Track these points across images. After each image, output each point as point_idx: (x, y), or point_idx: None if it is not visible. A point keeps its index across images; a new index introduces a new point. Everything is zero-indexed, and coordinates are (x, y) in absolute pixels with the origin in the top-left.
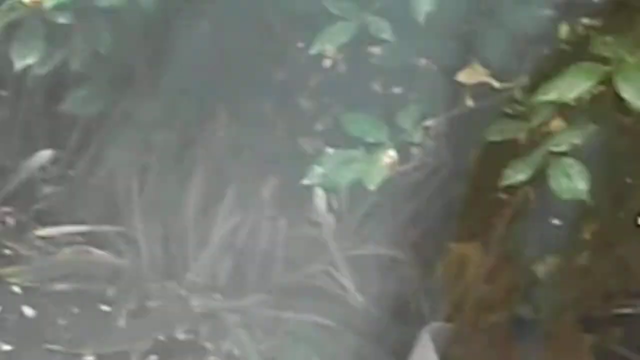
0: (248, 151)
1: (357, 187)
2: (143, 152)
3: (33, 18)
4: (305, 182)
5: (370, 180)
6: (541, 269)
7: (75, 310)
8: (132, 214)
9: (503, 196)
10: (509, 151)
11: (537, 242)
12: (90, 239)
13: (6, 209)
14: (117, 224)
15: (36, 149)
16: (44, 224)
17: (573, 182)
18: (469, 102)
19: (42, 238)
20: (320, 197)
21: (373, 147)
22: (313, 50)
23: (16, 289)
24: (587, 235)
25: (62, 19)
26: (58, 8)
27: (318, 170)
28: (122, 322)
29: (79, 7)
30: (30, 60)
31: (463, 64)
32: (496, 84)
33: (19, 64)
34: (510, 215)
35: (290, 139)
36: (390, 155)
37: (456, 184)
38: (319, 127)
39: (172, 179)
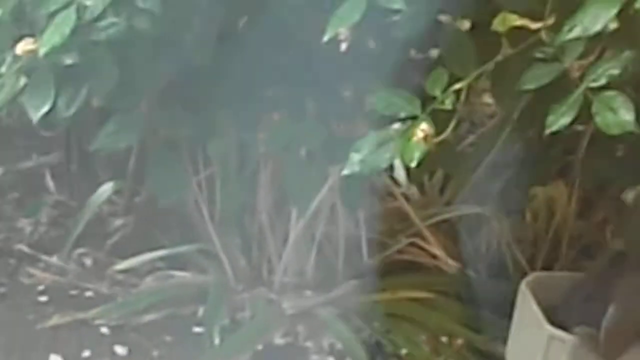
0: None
1: None
2: (200, 165)
3: (38, 67)
4: (345, 172)
5: (409, 158)
6: (630, 197)
7: (168, 338)
8: (206, 229)
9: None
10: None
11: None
12: (171, 263)
13: (81, 250)
14: (194, 242)
15: (97, 184)
16: (122, 257)
17: (619, 115)
18: (507, 50)
19: (122, 272)
20: (399, 168)
21: (407, 123)
22: (326, 36)
23: (104, 329)
24: None
25: (68, 60)
26: (58, 52)
27: (355, 157)
28: (217, 340)
29: (78, 46)
30: (45, 109)
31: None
32: (533, 25)
33: (34, 115)
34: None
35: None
36: (423, 128)
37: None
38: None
39: (234, 186)
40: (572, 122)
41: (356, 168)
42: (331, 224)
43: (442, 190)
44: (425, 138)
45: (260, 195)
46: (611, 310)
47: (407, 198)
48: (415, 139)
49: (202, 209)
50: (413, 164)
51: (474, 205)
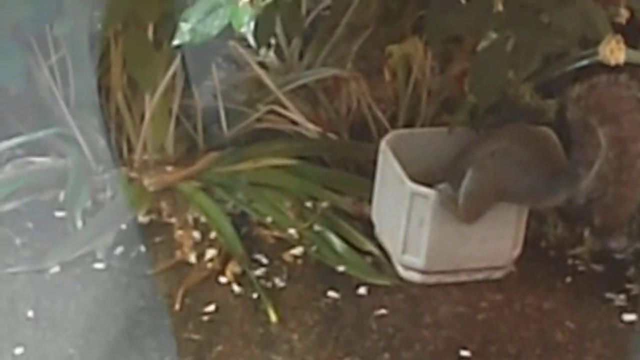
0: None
1: None
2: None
3: None
4: (175, 42)
5: (239, 23)
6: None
7: (30, 225)
8: (62, 112)
9: None
10: None
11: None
12: (29, 149)
13: None
14: (52, 126)
15: None
16: None
17: None
18: None
19: None
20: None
21: None
22: None
23: None
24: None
25: None
26: None
27: (184, 27)
28: (79, 224)
29: None
30: None
31: None
32: None
33: None
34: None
35: None
36: None
37: None
38: None
39: (87, 67)
40: None
41: (186, 37)
42: (188, 98)
43: (301, 56)
44: (252, 1)
45: (114, 74)
46: (469, 174)
47: (265, 66)
48: (241, 3)
49: (55, 93)
50: (244, 29)
51: (332, 68)
